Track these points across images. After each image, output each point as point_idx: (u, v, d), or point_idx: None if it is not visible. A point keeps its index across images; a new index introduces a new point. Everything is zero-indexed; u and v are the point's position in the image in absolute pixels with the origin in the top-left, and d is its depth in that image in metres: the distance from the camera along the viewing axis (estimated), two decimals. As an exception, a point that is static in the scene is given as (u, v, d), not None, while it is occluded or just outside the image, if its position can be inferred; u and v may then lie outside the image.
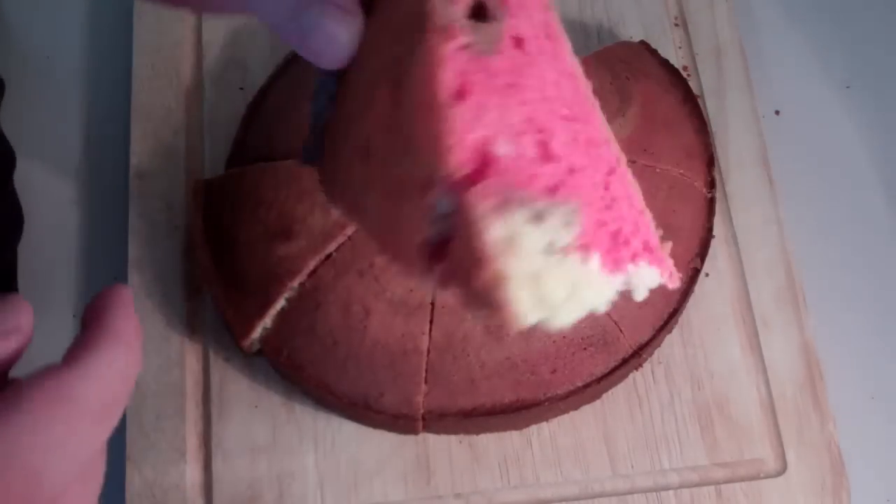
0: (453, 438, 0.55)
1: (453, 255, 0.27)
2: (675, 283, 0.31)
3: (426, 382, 0.52)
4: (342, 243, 0.53)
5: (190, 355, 0.56)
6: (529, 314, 0.27)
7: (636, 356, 0.54)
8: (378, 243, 0.30)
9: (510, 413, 0.52)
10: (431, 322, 0.52)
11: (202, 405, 0.56)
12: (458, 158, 0.26)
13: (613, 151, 0.32)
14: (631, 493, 0.53)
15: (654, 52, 0.62)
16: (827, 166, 0.64)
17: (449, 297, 0.28)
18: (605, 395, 0.55)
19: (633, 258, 0.30)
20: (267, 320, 0.54)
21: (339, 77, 0.32)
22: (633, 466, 0.54)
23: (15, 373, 0.58)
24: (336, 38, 0.31)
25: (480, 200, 0.26)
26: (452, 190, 0.26)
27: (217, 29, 0.65)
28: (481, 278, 0.26)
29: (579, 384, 0.53)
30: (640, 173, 0.55)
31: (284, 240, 0.54)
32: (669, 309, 0.55)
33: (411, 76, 0.27)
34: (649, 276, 0.30)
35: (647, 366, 0.56)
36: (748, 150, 0.61)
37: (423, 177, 0.27)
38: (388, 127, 0.28)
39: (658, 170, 0.56)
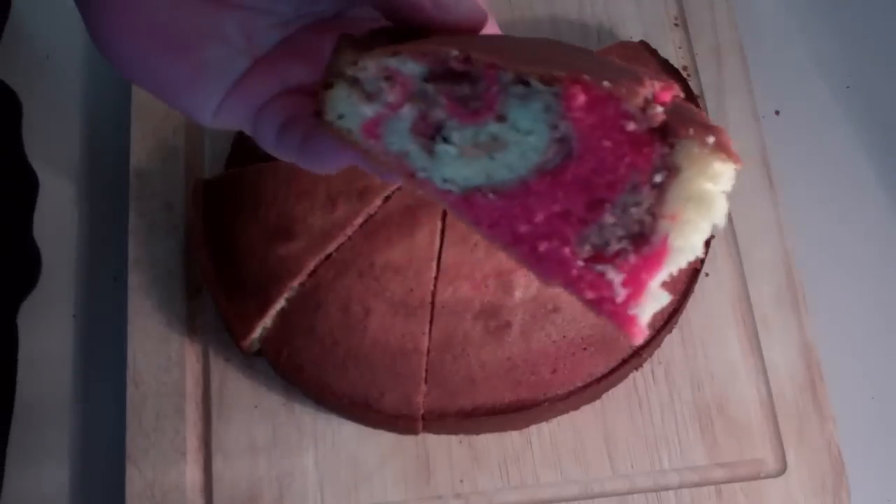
0: (453, 438, 0.55)
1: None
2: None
3: (426, 382, 0.52)
4: (342, 243, 0.53)
5: (190, 355, 0.56)
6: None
7: (636, 356, 0.54)
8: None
9: (510, 413, 0.52)
10: (431, 322, 0.52)
11: (202, 405, 0.56)
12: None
13: None
14: (631, 493, 0.53)
15: (654, 52, 0.62)
16: (827, 166, 0.64)
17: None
18: (605, 395, 0.55)
19: None
20: (267, 320, 0.54)
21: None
22: (633, 466, 0.54)
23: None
24: (321, 155, 0.33)
25: None
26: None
27: (217, 29, 0.65)
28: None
29: (579, 384, 0.53)
30: (640, 173, 0.56)
31: (284, 240, 0.54)
32: (669, 309, 0.55)
33: None
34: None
35: (647, 366, 0.56)
36: (748, 151, 0.61)
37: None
38: None
39: (658, 170, 0.56)
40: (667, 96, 0.28)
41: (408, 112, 0.31)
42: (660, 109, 0.27)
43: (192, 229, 0.58)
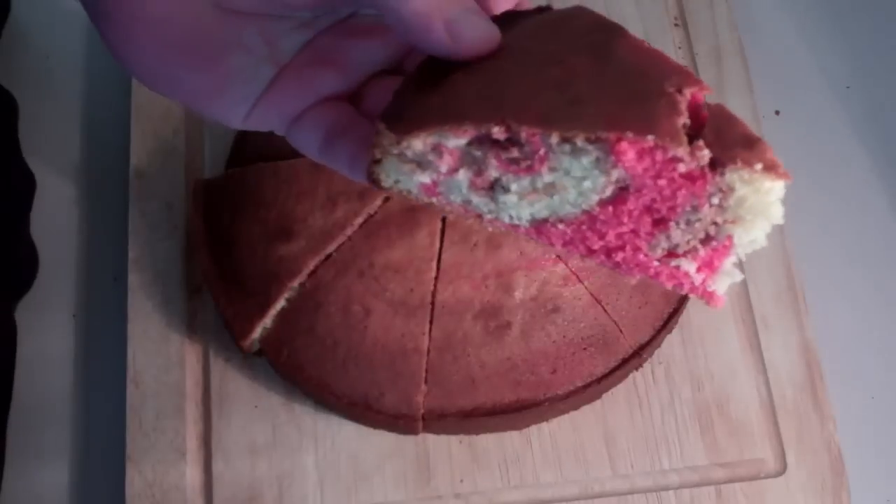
0: (453, 438, 0.55)
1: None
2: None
3: (426, 382, 0.52)
4: (342, 243, 0.53)
5: (190, 355, 0.56)
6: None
7: (636, 356, 0.54)
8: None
9: (510, 413, 0.52)
10: (431, 322, 0.52)
11: (202, 405, 0.56)
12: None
13: None
14: (631, 493, 0.53)
15: (654, 53, 0.62)
16: (827, 166, 0.64)
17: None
18: (605, 395, 0.55)
19: None
20: (267, 320, 0.54)
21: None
22: (633, 466, 0.54)
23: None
24: (355, 162, 0.33)
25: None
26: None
27: (217, 29, 0.65)
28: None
29: (579, 384, 0.53)
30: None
31: (284, 240, 0.54)
32: (669, 309, 0.55)
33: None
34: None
35: (647, 366, 0.56)
36: (748, 150, 0.61)
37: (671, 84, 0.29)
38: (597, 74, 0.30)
39: (658, 170, 0.56)
40: (699, 97, 0.30)
41: (462, 175, 0.31)
42: (706, 152, 0.29)
43: (192, 229, 0.58)
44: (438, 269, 0.53)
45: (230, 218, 0.56)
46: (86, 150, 0.64)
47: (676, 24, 0.66)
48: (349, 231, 0.53)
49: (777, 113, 0.65)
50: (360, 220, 0.54)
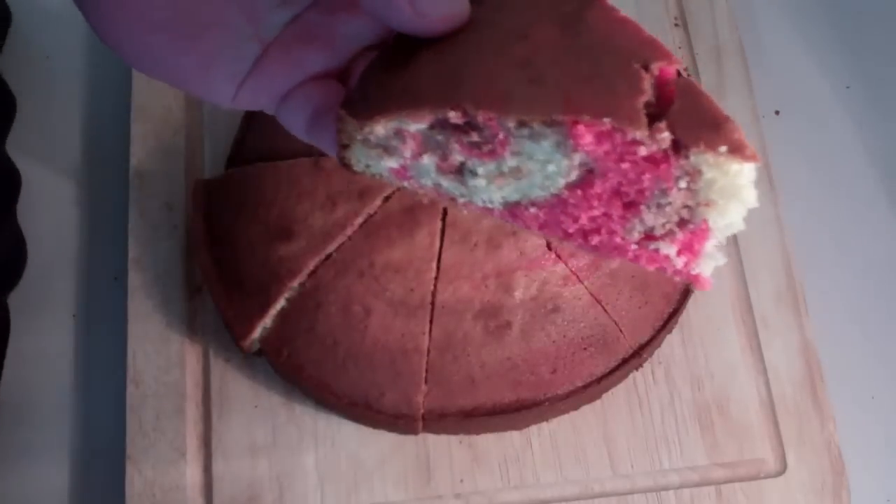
0: (453, 438, 0.55)
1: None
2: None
3: (426, 382, 0.52)
4: (342, 243, 0.53)
5: (190, 355, 0.56)
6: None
7: (636, 356, 0.54)
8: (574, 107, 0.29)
9: (510, 413, 0.52)
10: (431, 322, 0.52)
11: (202, 405, 0.56)
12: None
13: None
14: (631, 493, 0.53)
15: (654, 52, 0.62)
16: (827, 166, 0.64)
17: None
18: (605, 395, 0.55)
19: None
20: (267, 320, 0.54)
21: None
22: (633, 466, 0.54)
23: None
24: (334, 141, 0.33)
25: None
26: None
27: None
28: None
29: (579, 384, 0.53)
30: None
31: (284, 240, 0.54)
32: (669, 309, 0.55)
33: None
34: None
35: (647, 366, 0.56)
36: (748, 150, 0.61)
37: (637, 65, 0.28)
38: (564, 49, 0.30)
39: (658, 170, 0.56)
40: (669, 71, 0.28)
41: (428, 159, 0.31)
42: (666, 135, 0.27)
43: (192, 229, 0.58)
44: (438, 269, 0.53)
45: (230, 218, 0.56)
46: (86, 150, 0.64)
47: (676, 24, 0.66)
48: (349, 231, 0.53)
49: (777, 113, 0.65)
50: (360, 220, 0.54)
